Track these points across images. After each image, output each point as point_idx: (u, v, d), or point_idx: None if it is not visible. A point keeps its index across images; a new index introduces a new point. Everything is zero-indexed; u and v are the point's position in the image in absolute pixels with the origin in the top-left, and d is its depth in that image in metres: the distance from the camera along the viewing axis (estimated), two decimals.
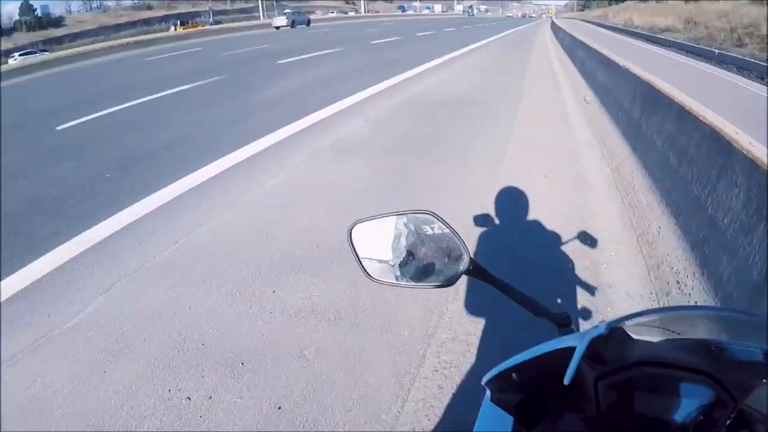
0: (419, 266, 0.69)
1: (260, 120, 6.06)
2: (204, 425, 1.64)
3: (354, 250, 0.70)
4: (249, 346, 2.03)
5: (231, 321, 2.19)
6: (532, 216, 3.22)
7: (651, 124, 3.93)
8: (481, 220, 3.16)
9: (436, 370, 1.89)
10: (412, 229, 0.69)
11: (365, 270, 0.69)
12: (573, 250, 2.73)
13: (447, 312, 2.22)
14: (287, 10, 36.93)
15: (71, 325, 2.19)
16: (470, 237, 2.91)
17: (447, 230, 0.67)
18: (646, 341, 0.72)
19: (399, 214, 0.69)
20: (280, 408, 1.67)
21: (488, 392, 0.76)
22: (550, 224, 3.06)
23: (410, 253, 0.69)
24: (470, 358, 1.94)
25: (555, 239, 2.90)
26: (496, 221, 3.19)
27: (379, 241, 0.70)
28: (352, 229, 0.70)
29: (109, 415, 1.68)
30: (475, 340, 2.04)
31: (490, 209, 3.33)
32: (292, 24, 29.26)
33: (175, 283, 2.48)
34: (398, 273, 0.68)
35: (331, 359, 1.96)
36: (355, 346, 2.04)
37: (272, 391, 1.79)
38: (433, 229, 0.68)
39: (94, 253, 2.85)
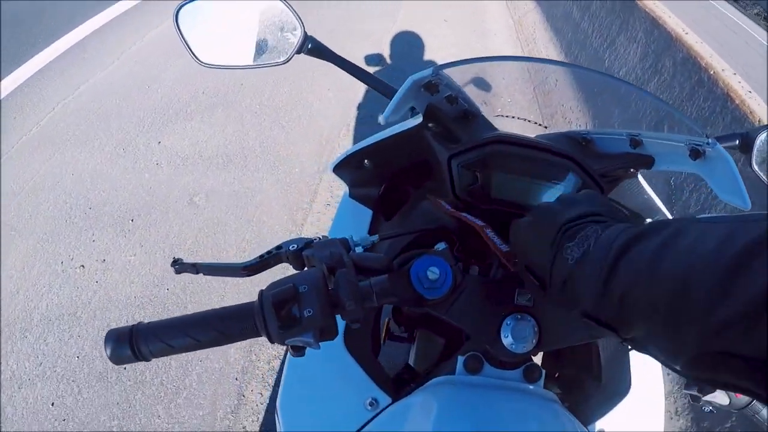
0: (254, 45, 0.63)
1: None
2: (101, 290, 1.62)
3: (181, 33, 0.62)
4: (137, 201, 1.96)
5: (116, 180, 2.07)
6: (428, 57, 3.21)
7: None
8: (375, 59, 3.10)
9: (328, 204, 1.94)
10: (244, 8, 0.62)
11: (194, 54, 0.63)
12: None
13: (339, 147, 2.22)
14: None
15: None
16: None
17: (283, 5, 0.61)
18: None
19: None
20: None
21: (347, 189, 0.74)
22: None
23: (244, 34, 0.63)
24: None
25: None
26: (389, 62, 3.14)
27: (207, 23, 0.63)
28: (178, 11, 0.62)
29: (5, 303, 1.59)
30: None
31: (386, 51, 3.26)
32: None
33: (55, 151, 2.25)
34: (231, 54, 0.63)
35: (221, 203, 1.95)
36: (245, 187, 2.04)
37: (165, 243, 1.78)
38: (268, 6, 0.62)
39: None
